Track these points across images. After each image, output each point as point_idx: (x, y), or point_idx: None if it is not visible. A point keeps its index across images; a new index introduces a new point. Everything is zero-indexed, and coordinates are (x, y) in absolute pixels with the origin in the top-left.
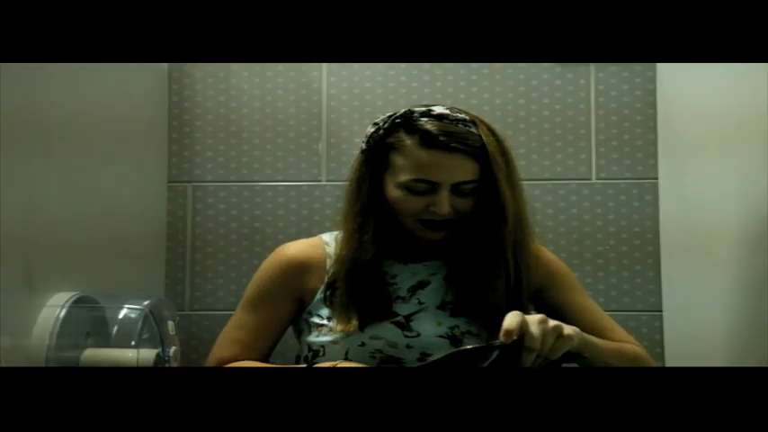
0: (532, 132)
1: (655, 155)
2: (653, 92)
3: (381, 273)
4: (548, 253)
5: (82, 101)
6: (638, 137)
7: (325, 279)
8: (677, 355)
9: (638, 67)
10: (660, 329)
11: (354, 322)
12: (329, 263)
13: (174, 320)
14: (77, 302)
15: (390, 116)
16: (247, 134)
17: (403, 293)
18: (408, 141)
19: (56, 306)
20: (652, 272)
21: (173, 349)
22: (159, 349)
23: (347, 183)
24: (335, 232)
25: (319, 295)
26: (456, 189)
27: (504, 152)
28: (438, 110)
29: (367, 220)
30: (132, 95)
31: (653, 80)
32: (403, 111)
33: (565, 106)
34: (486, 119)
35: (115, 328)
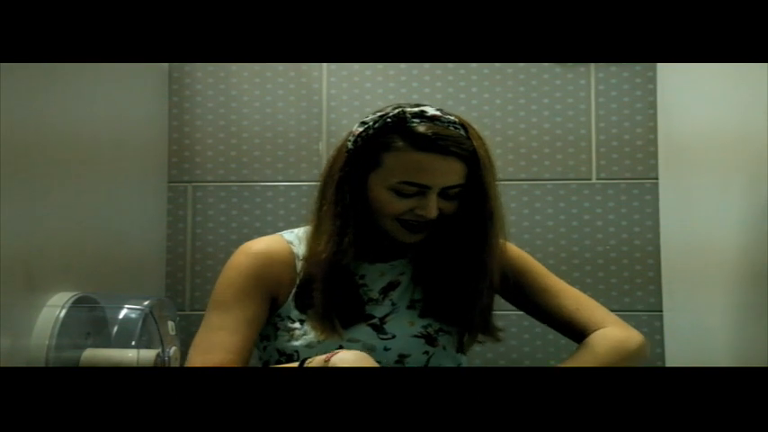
0: (532, 132)
1: (655, 155)
2: (653, 92)
3: (353, 274)
4: (511, 246)
5: (82, 103)
6: (638, 137)
7: (297, 281)
8: (677, 355)
9: (638, 67)
10: (660, 329)
11: (339, 329)
12: (298, 263)
13: (174, 320)
14: (77, 302)
15: (381, 116)
16: (247, 134)
17: (374, 295)
18: (400, 143)
19: (56, 306)
20: (652, 272)
21: (173, 349)
22: (159, 349)
23: (323, 180)
24: (295, 230)
25: (290, 297)
26: (443, 192)
27: (490, 156)
28: (430, 111)
29: (348, 222)
30: (132, 96)
31: (653, 80)
32: (395, 111)
33: (565, 106)
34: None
35: (115, 328)
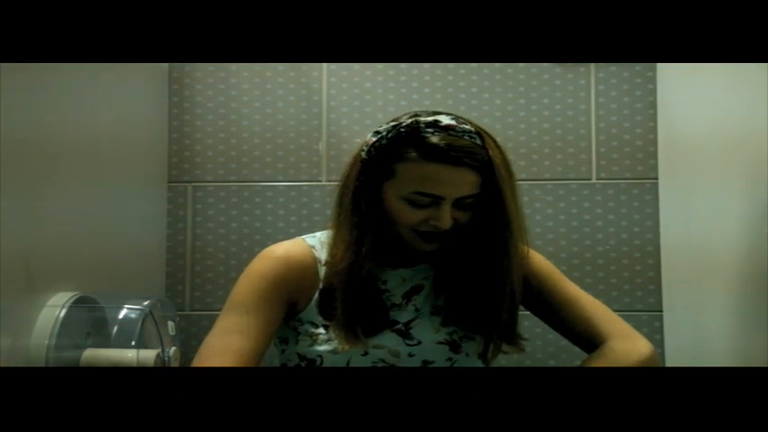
0: (532, 132)
1: (655, 155)
2: (653, 92)
3: (375, 281)
4: (534, 254)
5: (82, 103)
6: (638, 137)
7: (319, 285)
8: (677, 355)
9: (638, 67)
10: (660, 329)
11: (363, 337)
12: (320, 269)
13: (174, 320)
14: (77, 302)
15: (395, 126)
16: (247, 134)
17: (397, 300)
18: (413, 154)
19: (56, 306)
20: (652, 272)
21: (173, 349)
22: (159, 349)
23: (340, 188)
24: (317, 234)
25: (313, 302)
26: (458, 203)
27: (507, 165)
28: (445, 121)
29: (365, 232)
30: (132, 96)
31: (653, 80)
32: (408, 120)
33: (565, 106)
34: (489, 130)
35: (115, 328)
